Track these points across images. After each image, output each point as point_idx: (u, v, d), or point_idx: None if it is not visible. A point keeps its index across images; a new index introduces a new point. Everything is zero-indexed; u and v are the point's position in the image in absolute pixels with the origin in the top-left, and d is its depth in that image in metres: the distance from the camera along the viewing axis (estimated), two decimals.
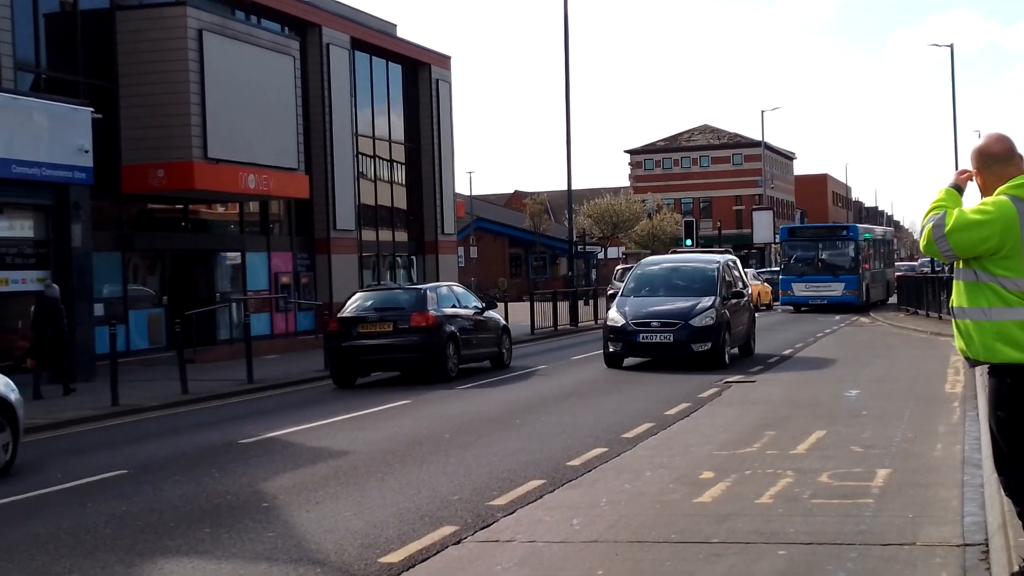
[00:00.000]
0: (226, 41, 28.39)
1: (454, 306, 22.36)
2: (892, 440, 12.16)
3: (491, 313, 23.82)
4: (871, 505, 8.98)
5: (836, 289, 44.15)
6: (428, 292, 21.89)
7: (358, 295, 22.64)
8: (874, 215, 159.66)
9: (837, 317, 39.72)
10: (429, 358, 20.81)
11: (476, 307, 23.23)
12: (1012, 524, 6.94)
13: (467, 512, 9.36)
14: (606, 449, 12.34)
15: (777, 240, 59.62)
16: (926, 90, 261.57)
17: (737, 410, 15.28)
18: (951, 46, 56.39)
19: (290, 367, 25.04)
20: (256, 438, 14.55)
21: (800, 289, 44.93)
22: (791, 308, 45.83)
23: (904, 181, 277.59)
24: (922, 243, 6.04)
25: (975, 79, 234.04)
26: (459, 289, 24.19)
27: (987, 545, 7.36)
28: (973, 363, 5.97)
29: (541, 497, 9.91)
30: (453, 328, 21.44)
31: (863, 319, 39.00)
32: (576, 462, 11.61)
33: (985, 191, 6.02)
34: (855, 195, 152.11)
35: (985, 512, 8.16)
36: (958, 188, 6.12)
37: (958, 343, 6.01)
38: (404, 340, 20.75)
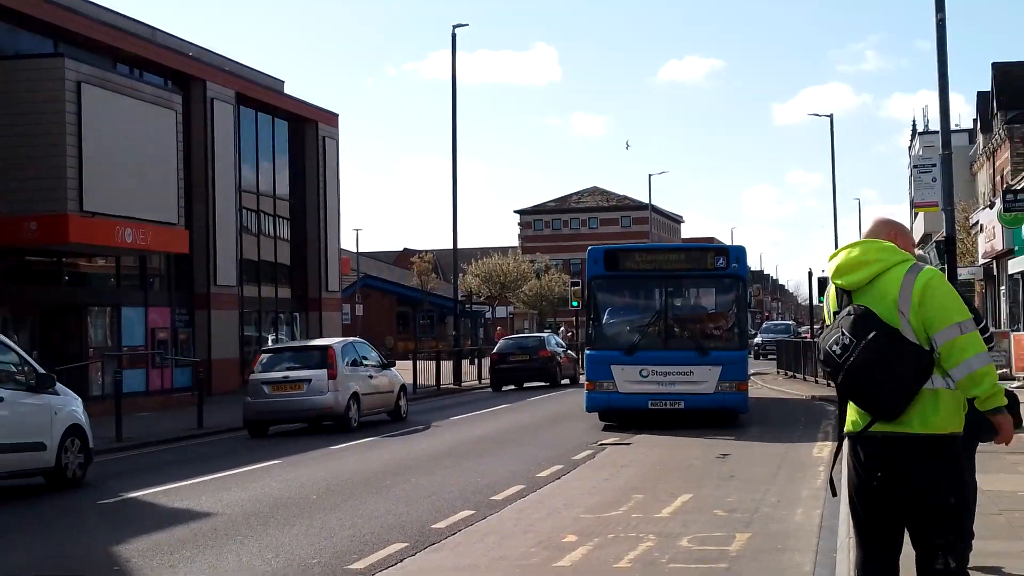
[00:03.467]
0: (106, 94, 28.00)
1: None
2: (756, 504, 12.27)
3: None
4: (725, 570, 9.03)
5: (703, 380, 20.87)
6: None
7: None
8: (760, 277, 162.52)
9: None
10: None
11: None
12: None
13: None
14: (473, 511, 12.25)
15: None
16: (806, 158, 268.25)
17: (608, 472, 15.30)
18: (831, 116, 57.82)
19: (162, 425, 24.50)
20: (116, 498, 14.17)
21: (627, 379, 20.97)
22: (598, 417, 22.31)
23: (787, 245, 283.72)
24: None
25: (851, 149, 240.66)
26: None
27: None
28: None
29: (401, 560, 9.79)
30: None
31: None
32: (442, 524, 11.50)
33: None
34: None
35: None
36: None
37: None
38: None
